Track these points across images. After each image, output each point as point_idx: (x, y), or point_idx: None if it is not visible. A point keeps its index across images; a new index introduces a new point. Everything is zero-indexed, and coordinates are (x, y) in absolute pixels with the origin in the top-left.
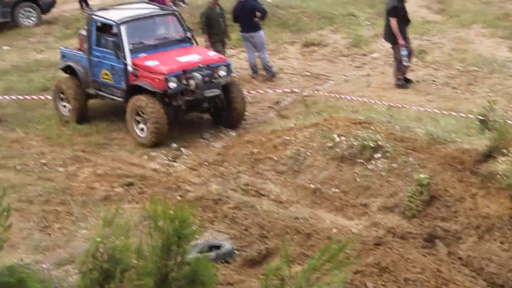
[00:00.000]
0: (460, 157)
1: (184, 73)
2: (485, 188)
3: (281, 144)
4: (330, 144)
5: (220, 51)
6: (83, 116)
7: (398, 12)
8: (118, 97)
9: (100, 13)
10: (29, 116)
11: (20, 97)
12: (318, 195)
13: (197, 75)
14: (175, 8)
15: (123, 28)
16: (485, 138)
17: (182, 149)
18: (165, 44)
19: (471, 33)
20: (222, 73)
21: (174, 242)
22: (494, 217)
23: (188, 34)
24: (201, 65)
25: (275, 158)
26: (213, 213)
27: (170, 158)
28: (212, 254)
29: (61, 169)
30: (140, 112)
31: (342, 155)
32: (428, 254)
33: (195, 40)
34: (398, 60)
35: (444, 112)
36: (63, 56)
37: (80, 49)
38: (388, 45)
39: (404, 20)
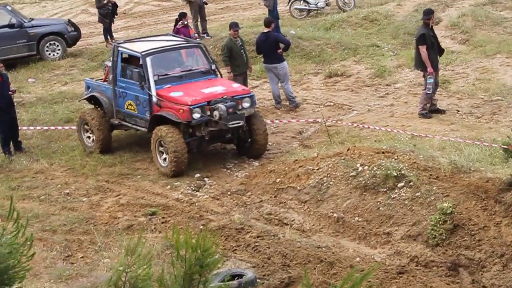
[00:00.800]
0: (484, 186)
1: (209, 104)
2: (509, 217)
3: (304, 174)
4: (353, 174)
5: (242, 83)
6: (107, 146)
7: (426, 40)
8: (142, 127)
9: (126, 45)
10: (53, 147)
11: (45, 128)
12: (341, 224)
13: (221, 106)
14: (200, 40)
15: (148, 60)
16: (509, 167)
17: (206, 179)
18: (190, 76)
19: (495, 63)
20: (246, 104)
21: (196, 271)
22: None
23: (213, 66)
24: (225, 97)
25: (298, 188)
26: (235, 242)
27: (193, 188)
28: (235, 283)
29: (84, 199)
30: (162, 142)
31: (365, 184)
32: (451, 283)
33: (220, 72)
34: (426, 88)
35: (467, 141)
36: (88, 87)
37: (105, 80)
38: (412, 75)
39: (434, 48)
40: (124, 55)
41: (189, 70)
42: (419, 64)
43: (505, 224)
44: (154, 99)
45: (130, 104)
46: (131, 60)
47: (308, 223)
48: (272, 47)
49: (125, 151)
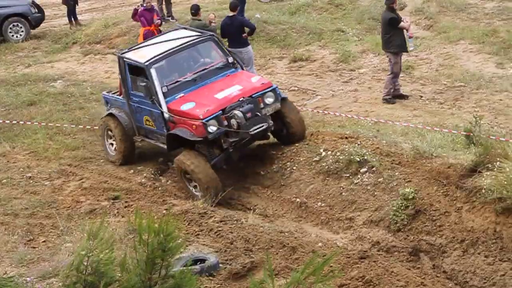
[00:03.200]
0: (446, 172)
1: (223, 113)
2: (470, 203)
3: (267, 159)
4: (316, 159)
5: None
6: (130, 159)
7: (398, 23)
8: (163, 144)
9: (130, 54)
10: (15, 130)
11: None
12: (303, 209)
13: (237, 113)
14: (214, 26)
15: (153, 71)
16: (471, 153)
17: (169, 163)
18: (205, 76)
19: (458, 49)
20: (269, 100)
21: (159, 255)
22: (478, 231)
23: (230, 59)
24: (242, 98)
25: (262, 173)
26: (198, 226)
27: (156, 172)
28: (197, 267)
29: (47, 182)
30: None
31: (328, 169)
32: (412, 268)
33: (239, 63)
34: (392, 73)
35: (430, 127)
36: (106, 102)
37: (121, 93)
38: (376, 61)
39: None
40: (131, 66)
41: (203, 70)
42: (386, 45)
43: (466, 210)
44: (166, 115)
45: (147, 120)
46: (139, 71)
47: (271, 208)
48: (237, 31)
49: (88, 134)
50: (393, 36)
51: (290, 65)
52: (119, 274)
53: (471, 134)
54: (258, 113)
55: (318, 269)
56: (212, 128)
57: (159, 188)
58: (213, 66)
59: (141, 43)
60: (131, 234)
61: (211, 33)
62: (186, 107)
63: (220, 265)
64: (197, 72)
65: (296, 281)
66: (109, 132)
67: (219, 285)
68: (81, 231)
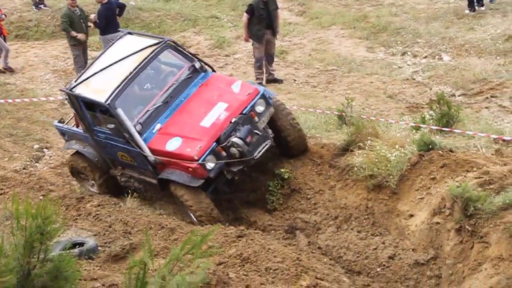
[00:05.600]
0: (319, 152)
1: (218, 143)
2: (342, 181)
3: None
4: None
5: (82, 54)
6: (118, 191)
7: (253, 11)
8: (151, 178)
9: (81, 90)
10: None
11: None
12: None
13: (236, 140)
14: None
15: (119, 111)
16: (343, 133)
17: (45, 150)
18: (176, 93)
19: (330, 34)
20: (261, 108)
21: (37, 239)
22: (351, 208)
23: (196, 63)
24: (234, 120)
25: None
26: (76, 211)
27: (32, 159)
28: (76, 251)
29: None
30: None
31: None
32: (288, 245)
33: (207, 64)
34: (255, 59)
35: (303, 109)
36: (62, 134)
37: (78, 126)
38: (250, 46)
39: (261, 20)
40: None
41: (172, 86)
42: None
43: (339, 188)
44: (151, 158)
45: (123, 155)
46: (100, 107)
47: (149, 192)
48: (114, 16)
49: None
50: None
51: None
52: None
53: (343, 114)
54: (257, 131)
55: (196, 246)
56: (211, 165)
57: (35, 175)
58: (181, 77)
59: (88, 67)
60: (8, 220)
61: (166, 37)
62: (172, 146)
63: (99, 248)
64: (166, 90)
65: (175, 258)
66: (81, 175)
67: (98, 267)
68: None
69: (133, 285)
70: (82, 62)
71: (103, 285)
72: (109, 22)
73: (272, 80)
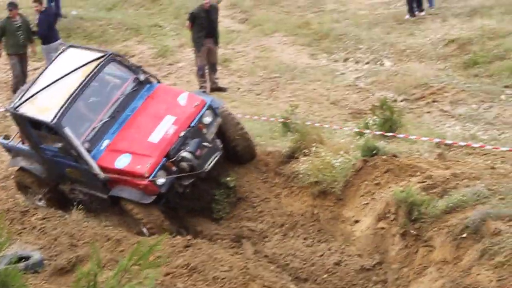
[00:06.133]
0: (265, 159)
1: (168, 158)
2: (288, 188)
3: None
4: None
5: (19, 64)
6: (64, 203)
7: (194, 19)
8: (102, 194)
9: (26, 109)
10: None
11: None
12: None
13: (185, 155)
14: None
15: (67, 130)
16: (288, 140)
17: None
18: (123, 107)
19: (273, 41)
20: (208, 119)
21: None
22: (297, 215)
23: (141, 76)
24: (182, 134)
25: None
26: (21, 224)
27: None
28: (21, 265)
29: None
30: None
31: None
32: (235, 253)
33: (152, 75)
34: (197, 67)
35: (248, 116)
36: (7, 149)
37: (24, 142)
38: (193, 55)
39: (203, 29)
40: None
41: (117, 100)
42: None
43: (285, 195)
44: (101, 176)
45: (71, 172)
46: (45, 125)
47: (94, 203)
48: (54, 24)
49: None
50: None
51: None
52: None
53: (288, 121)
54: (206, 144)
55: (144, 256)
56: (161, 181)
57: None
58: (126, 90)
59: (31, 83)
60: None
61: (109, 50)
62: (122, 163)
63: (45, 261)
64: (111, 104)
65: (123, 269)
66: (28, 190)
67: (44, 281)
68: None
69: None
70: (18, 71)
71: None
72: (52, 30)
73: (216, 89)
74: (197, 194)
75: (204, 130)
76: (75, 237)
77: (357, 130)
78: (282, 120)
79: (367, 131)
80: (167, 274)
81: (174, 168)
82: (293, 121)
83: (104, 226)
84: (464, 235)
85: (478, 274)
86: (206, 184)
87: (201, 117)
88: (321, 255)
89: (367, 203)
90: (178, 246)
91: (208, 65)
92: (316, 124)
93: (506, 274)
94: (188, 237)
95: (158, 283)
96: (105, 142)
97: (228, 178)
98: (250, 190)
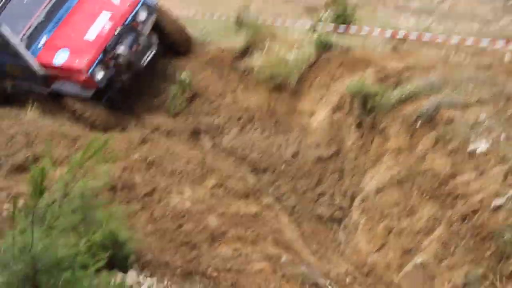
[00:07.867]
0: (220, 56)
1: (105, 54)
2: (243, 83)
3: None
4: None
5: None
6: (4, 100)
7: None
8: (43, 90)
9: None
10: None
11: None
12: None
13: (122, 52)
14: None
15: (4, 28)
16: (241, 37)
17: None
18: (58, 6)
19: None
20: (143, 15)
21: None
22: (254, 109)
23: None
24: (117, 30)
25: None
26: None
27: None
28: None
29: None
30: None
31: None
32: (194, 147)
33: None
34: None
35: (200, 15)
36: None
37: None
38: None
39: None
40: None
41: (52, 0)
42: None
43: (241, 90)
44: (41, 72)
45: (12, 68)
46: None
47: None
48: None
49: None
50: None
51: None
52: None
53: (241, 18)
54: (141, 41)
55: (98, 151)
56: (100, 74)
57: None
58: None
59: None
60: None
61: None
62: (61, 59)
63: (1, 160)
64: (47, 3)
65: (77, 164)
66: None
67: (2, 179)
68: None
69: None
70: None
71: (9, 194)
72: None
73: None
74: (154, 90)
75: (139, 27)
76: (32, 135)
77: (310, 25)
78: (235, 17)
79: (321, 24)
80: (125, 168)
81: (111, 64)
82: (246, 18)
83: (60, 125)
84: (418, 123)
85: (432, 161)
86: (162, 80)
87: (136, 14)
88: (279, 147)
89: (322, 96)
90: (135, 141)
91: None
92: (269, 22)
93: (459, 159)
94: (146, 130)
95: (116, 176)
96: (43, 40)
97: (183, 74)
98: (206, 86)
